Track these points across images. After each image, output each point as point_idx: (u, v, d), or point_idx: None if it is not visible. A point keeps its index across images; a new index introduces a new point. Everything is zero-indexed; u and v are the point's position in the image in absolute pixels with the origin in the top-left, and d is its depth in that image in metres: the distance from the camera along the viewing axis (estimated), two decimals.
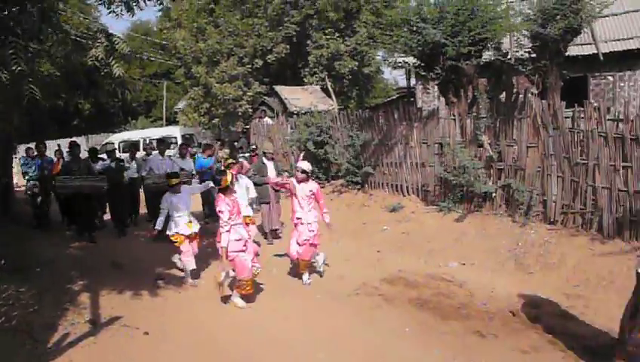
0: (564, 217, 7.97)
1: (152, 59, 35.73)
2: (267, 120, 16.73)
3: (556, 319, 5.79)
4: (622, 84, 13.58)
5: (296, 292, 6.94)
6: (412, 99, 16.98)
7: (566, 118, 8.02)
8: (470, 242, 8.25)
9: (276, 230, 9.67)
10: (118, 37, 5.76)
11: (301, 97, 16.89)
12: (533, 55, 9.06)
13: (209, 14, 21.93)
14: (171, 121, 33.31)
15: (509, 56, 9.31)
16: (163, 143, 11.70)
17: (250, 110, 19.97)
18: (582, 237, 7.53)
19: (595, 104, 8.21)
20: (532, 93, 8.65)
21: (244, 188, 8.26)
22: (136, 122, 35.81)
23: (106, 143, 21.37)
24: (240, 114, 20.46)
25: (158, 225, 7.69)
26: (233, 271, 6.35)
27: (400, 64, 10.50)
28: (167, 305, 6.56)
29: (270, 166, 9.46)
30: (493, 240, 8.10)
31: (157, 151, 11.21)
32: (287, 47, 20.54)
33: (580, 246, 7.37)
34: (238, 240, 6.28)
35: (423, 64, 9.68)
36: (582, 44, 13.03)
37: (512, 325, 5.73)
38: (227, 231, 6.16)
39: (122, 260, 8.50)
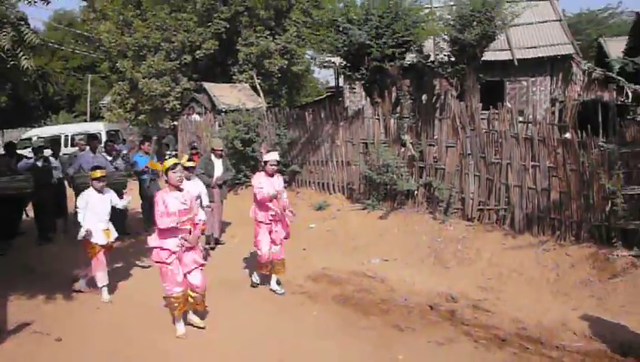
0: (480, 214, 8.38)
1: (76, 51, 34.13)
2: (195, 117, 16.43)
3: (470, 311, 6.06)
4: (534, 89, 14.45)
5: (221, 291, 6.86)
6: (340, 98, 17.22)
7: (482, 119, 8.44)
8: (393, 239, 8.49)
9: (217, 239, 8.97)
10: (27, 27, 5.41)
11: (230, 94, 16.67)
12: (453, 59, 9.45)
13: (136, 7, 21.17)
14: (96, 116, 32.00)
15: (430, 59, 9.65)
16: (95, 139, 10.27)
17: (179, 106, 19.52)
18: (496, 233, 7.95)
19: (510, 106, 8.68)
20: (452, 95, 9.03)
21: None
22: (57, 117, 34.10)
23: (24, 139, 20.24)
24: (167, 110, 19.95)
25: (81, 234, 6.39)
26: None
27: (327, 64, 10.62)
28: (83, 309, 6.28)
29: (218, 164, 8.73)
30: (415, 236, 8.38)
31: (88, 148, 9.88)
32: (217, 43, 20.22)
33: (494, 241, 7.78)
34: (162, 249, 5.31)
35: (348, 64, 9.85)
36: (499, 50, 13.77)
37: (430, 318, 5.94)
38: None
39: (37, 264, 8.06)
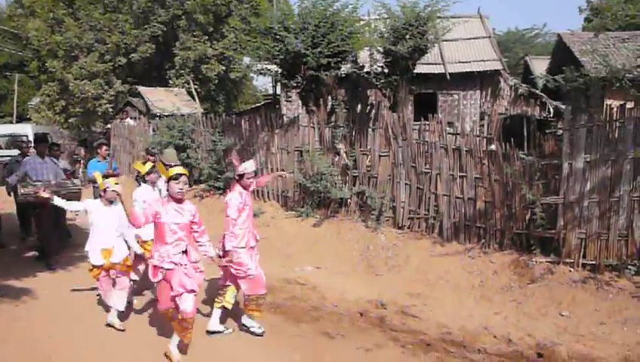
0: (410, 222, 8.59)
1: (1, 48, 32.38)
2: (129, 121, 16.00)
3: (399, 317, 6.18)
4: (465, 102, 15.03)
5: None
6: (277, 106, 17.25)
7: (414, 130, 8.68)
8: (326, 246, 8.55)
9: None
10: None
11: (165, 99, 16.37)
12: (386, 70, 9.67)
13: (68, 5, 20.44)
14: (23, 118, 30.43)
15: (365, 70, 9.83)
16: (44, 141, 8.87)
17: (112, 110, 18.94)
18: (425, 240, 8.18)
19: (440, 118, 8.98)
20: (385, 106, 9.23)
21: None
22: None
23: None
24: (100, 113, 19.31)
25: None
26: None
27: (264, 71, 10.61)
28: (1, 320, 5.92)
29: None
30: (347, 244, 8.48)
31: (35, 152, 8.66)
32: (153, 46, 19.85)
33: (423, 248, 8.00)
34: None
35: (285, 72, 9.88)
36: (432, 64, 14.22)
37: (360, 325, 6.01)
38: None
39: None
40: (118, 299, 5.61)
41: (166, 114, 13.16)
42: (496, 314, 6.10)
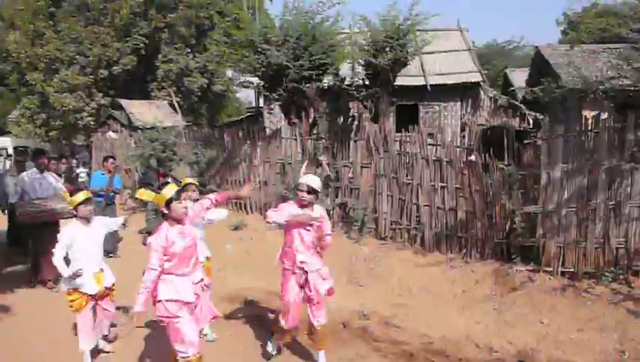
0: (393, 233, 8.64)
1: None
2: (111, 134, 15.91)
3: (381, 327, 6.19)
4: (446, 113, 15.21)
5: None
6: (260, 118, 17.30)
7: (396, 141, 8.77)
8: None
9: None
10: None
11: (147, 112, 16.31)
12: (367, 82, 9.78)
13: (49, 17, 20.30)
14: (2, 131, 30.04)
15: (346, 82, 9.93)
16: (43, 154, 8.17)
17: (93, 123, 18.80)
18: (407, 251, 8.23)
19: (421, 129, 9.09)
20: (366, 118, 9.32)
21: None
22: None
23: None
24: (81, 126, 19.16)
25: (66, 285, 4.86)
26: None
27: (246, 83, 10.66)
28: None
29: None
30: (330, 256, 8.31)
31: (34, 167, 7.90)
32: (135, 59, 19.78)
33: (406, 259, 8.04)
34: (167, 301, 4.11)
35: (267, 85, 9.93)
36: (413, 76, 14.38)
37: (342, 336, 5.99)
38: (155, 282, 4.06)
39: None
40: (93, 337, 5.07)
41: (148, 126, 13.10)
42: (477, 323, 6.15)
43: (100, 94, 19.45)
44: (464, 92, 15.34)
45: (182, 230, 4.15)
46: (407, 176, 8.42)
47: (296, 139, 9.75)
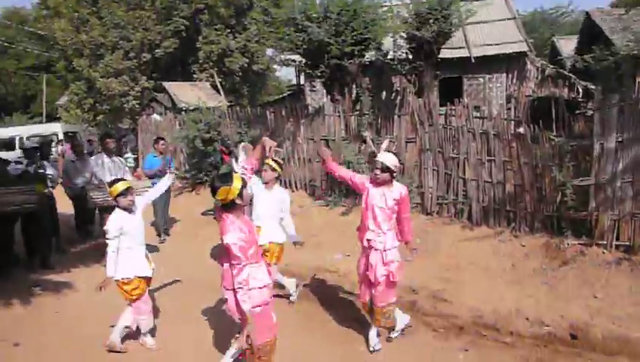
0: (439, 208, 8.57)
1: (29, 49, 33.10)
2: (155, 116, 16.22)
3: (431, 302, 6.22)
4: (490, 85, 14.84)
5: (187, 290, 6.80)
6: (301, 96, 17.30)
7: (440, 115, 8.64)
8: (355, 234, 8.52)
9: None
10: None
11: (190, 93, 16.55)
12: (410, 56, 9.63)
13: (91, 4, 20.74)
14: (52, 117, 31.12)
15: (389, 57, 9.81)
16: (110, 137, 8.28)
17: (138, 106, 19.22)
18: (454, 226, 8.16)
19: (466, 102, 8.91)
20: (410, 92, 9.20)
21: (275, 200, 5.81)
22: (11, 118, 33.02)
23: None
24: (127, 110, 19.61)
25: (110, 271, 4.83)
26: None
27: (287, 62, 10.67)
28: (41, 314, 6.15)
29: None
30: None
31: (100, 150, 8.07)
32: (177, 41, 20.02)
33: (453, 233, 7.98)
34: (260, 288, 3.96)
35: (308, 62, 9.91)
36: (457, 48, 14.07)
37: None
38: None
39: None
40: (152, 317, 5.20)
41: (191, 108, 13.28)
42: (528, 296, 6.08)
43: (144, 78, 19.80)
44: (509, 63, 14.92)
45: (244, 220, 3.95)
46: (452, 150, 8.30)
47: (339, 116, 9.73)
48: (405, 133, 8.92)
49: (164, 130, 14.05)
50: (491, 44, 14.87)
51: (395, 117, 9.03)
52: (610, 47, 8.71)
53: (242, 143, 6.65)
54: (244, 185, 3.86)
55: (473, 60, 14.26)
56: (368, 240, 4.82)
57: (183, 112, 13.94)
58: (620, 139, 6.51)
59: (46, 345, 5.28)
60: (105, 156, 7.91)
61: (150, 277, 5.12)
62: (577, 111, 8.83)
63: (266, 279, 3.99)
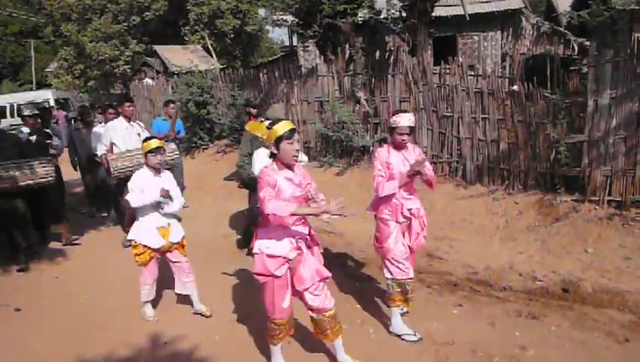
0: (433, 166, 8.54)
1: (15, 14, 32.39)
2: (147, 81, 16.02)
3: (425, 259, 6.31)
4: (485, 44, 14.69)
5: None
6: (294, 57, 17.09)
7: (434, 74, 8.57)
8: (350, 195, 8.62)
9: None
10: None
11: (182, 57, 16.32)
12: (404, 14, 9.48)
13: None
14: (42, 84, 30.72)
15: (382, 15, 9.65)
16: (129, 100, 7.46)
17: (129, 71, 18.99)
18: (448, 184, 8.21)
19: (461, 60, 8.84)
20: (403, 51, 9.10)
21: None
22: (1, 86, 32.61)
23: None
24: (118, 75, 19.40)
25: (131, 234, 4.84)
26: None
27: (280, 22, 10.50)
28: (42, 279, 6.21)
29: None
30: (371, 191, 8.39)
31: (118, 116, 7.30)
32: (166, 3, 19.63)
33: (447, 192, 8.03)
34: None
35: (301, 22, 9.76)
36: (451, 6, 13.84)
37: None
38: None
39: None
40: (189, 285, 5.00)
41: (184, 71, 13.13)
42: (521, 253, 6.18)
43: (134, 41, 19.52)
44: (504, 20, 14.74)
45: (292, 176, 3.59)
46: (447, 108, 8.27)
47: (333, 77, 9.64)
48: (399, 93, 8.86)
49: (157, 94, 13.92)
50: (486, 1, 14.66)
51: (389, 76, 8.96)
52: (606, 2, 8.59)
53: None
54: (285, 138, 3.45)
55: (468, 18, 14.02)
56: (409, 209, 4.44)
57: (176, 76, 13.77)
58: (613, 96, 6.50)
59: (47, 310, 5.36)
60: (124, 122, 7.12)
61: (157, 249, 4.81)
62: (572, 68, 8.77)
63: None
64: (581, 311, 4.78)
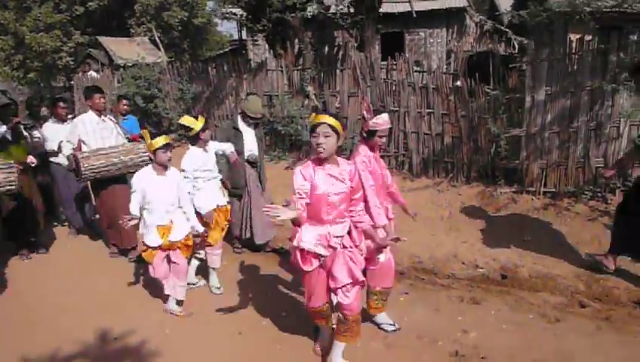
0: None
1: None
2: (92, 73, 15.57)
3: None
4: (431, 40, 15.08)
5: None
6: (244, 51, 16.99)
7: (382, 69, 8.76)
8: None
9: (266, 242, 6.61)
10: None
11: (128, 49, 15.94)
12: (352, 10, 9.62)
13: None
14: None
15: (331, 11, 9.76)
16: (100, 92, 6.24)
17: (72, 63, 18.36)
18: (395, 177, 8.32)
19: (408, 56, 9.06)
20: (352, 46, 9.25)
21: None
22: None
23: None
24: (61, 67, 18.71)
25: (141, 230, 4.70)
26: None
27: (229, 15, 10.43)
28: (42, 268, 6.09)
29: (249, 135, 6.13)
30: None
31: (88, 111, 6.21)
32: None
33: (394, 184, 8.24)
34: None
35: (250, 16, 9.74)
36: (399, 2, 14.13)
37: None
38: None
39: None
40: (178, 288, 4.81)
41: (130, 64, 12.84)
42: (464, 242, 6.43)
43: (78, 32, 18.87)
44: (449, 18, 15.16)
45: (331, 172, 3.45)
46: (394, 103, 8.48)
47: (282, 71, 9.69)
48: (348, 88, 9.01)
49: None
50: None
51: (338, 71, 9.09)
52: (543, 3, 9.01)
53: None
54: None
55: (415, 15, 14.39)
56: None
57: (122, 69, 13.45)
58: (549, 92, 6.86)
59: (45, 298, 5.29)
60: (93, 115, 6.15)
61: (155, 247, 4.64)
62: (512, 66, 9.14)
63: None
64: (518, 295, 5.04)
